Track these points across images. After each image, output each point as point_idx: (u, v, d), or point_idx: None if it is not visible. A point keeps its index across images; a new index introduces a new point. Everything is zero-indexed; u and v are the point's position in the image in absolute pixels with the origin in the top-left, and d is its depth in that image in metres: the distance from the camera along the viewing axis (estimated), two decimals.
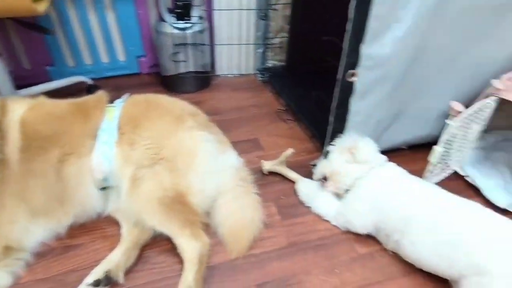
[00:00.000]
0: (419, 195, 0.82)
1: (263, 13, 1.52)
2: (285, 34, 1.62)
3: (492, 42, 1.01)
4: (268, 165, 1.09)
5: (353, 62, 0.90)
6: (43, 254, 0.84)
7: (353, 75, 0.92)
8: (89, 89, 1.49)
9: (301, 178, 1.04)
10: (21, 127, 0.84)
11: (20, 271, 0.80)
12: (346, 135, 0.97)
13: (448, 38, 0.97)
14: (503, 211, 0.99)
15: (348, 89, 0.95)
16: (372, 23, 0.85)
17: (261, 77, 1.67)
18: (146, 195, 0.84)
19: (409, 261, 0.82)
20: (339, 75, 0.93)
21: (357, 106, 0.98)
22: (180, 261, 0.80)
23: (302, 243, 0.89)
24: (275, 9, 1.51)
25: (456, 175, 1.12)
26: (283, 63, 1.71)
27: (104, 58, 1.63)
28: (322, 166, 0.96)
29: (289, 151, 1.06)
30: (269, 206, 1.00)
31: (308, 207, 0.98)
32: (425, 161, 1.00)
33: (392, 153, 1.18)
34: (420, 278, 0.81)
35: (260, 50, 1.64)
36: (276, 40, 1.63)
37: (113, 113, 0.96)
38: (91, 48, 1.57)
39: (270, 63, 1.69)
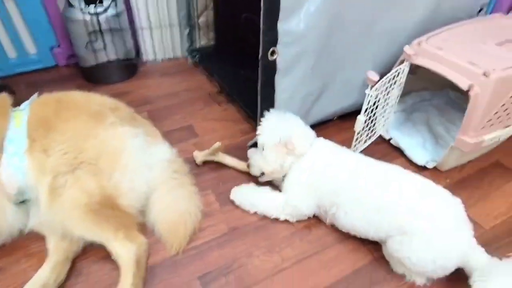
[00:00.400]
0: (347, 167, 0.85)
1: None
2: (211, 12, 1.55)
3: (401, 9, 1.06)
4: (200, 157, 1.06)
5: (272, 40, 0.89)
6: None
7: (273, 53, 0.91)
8: None
9: (234, 189, 0.97)
10: None
11: None
12: (272, 116, 0.92)
13: (361, 8, 1.00)
14: (423, 168, 1.08)
15: (270, 67, 0.94)
16: (285, 1, 0.84)
17: (191, 59, 1.61)
18: (70, 204, 0.78)
19: (345, 230, 0.86)
20: (260, 54, 0.91)
21: (282, 83, 0.98)
22: (115, 267, 0.77)
23: (242, 227, 0.90)
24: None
25: (382, 139, 1.19)
26: (212, 43, 1.65)
27: (11, 53, 1.45)
28: (259, 164, 0.92)
29: (217, 144, 1.02)
30: (207, 194, 0.98)
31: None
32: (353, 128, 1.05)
33: (323, 125, 1.23)
34: (354, 243, 0.86)
35: (186, 31, 1.56)
36: (202, 19, 1.56)
37: (21, 119, 0.86)
38: None
39: (199, 44, 1.62)
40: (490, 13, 1.35)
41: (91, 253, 0.83)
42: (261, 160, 0.89)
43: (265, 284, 0.78)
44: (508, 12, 1.28)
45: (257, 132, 0.91)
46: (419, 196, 0.77)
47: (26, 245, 0.84)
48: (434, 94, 1.30)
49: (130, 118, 0.98)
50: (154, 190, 0.89)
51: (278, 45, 0.90)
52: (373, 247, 0.85)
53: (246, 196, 0.94)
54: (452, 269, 0.74)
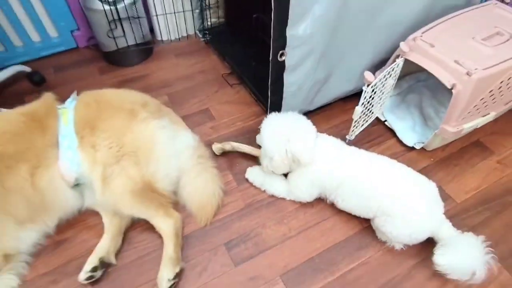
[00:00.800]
0: (343, 163, 0.99)
1: None
2: None
3: (398, 6, 1.14)
4: (217, 150, 1.20)
5: (281, 45, 1.00)
6: (39, 252, 0.98)
7: (282, 55, 1.03)
8: (30, 78, 1.45)
9: (249, 169, 1.15)
10: None
11: (23, 271, 0.94)
12: (274, 123, 1.03)
13: (362, 6, 1.08)
14: (412, 148, 1.25)
15: (280, 67, 1.06)
16: (293, 10, 0.94)
17: (203, 38, 1.70)
18: (119, 190, 0.97)
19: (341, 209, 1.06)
20: (271, 57, 1.03)
21: (290, 79, 1.11)
22: (159, 237, 0.98)
23: (256, 203, 1.10)
24: None
25: (378, 120, 1.34)
26: (222, 20, 1.72)
27: (35, 37, 1.55)
28: (269, 168, 1.04)
29: (228, 145, 1.19)
30: (226, 174, 1.17)
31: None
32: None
33: (327, 106, 1.37)
34: (347, 216, 1.05)
35: (198, 10, 1.63)
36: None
37: (67, 116, 1.02)
38: (17, 30, 1.49)
39: (210, 22, 1.70)
40: None
41: (138, 225, 1.04)
42: (269, 166, 1.03)
43: (276, 248, 1.00)
44: (502, 1, 1.33)
45: (261, 140, 1.04)
46: (399, 184, 0.95)
47: (85, 220, 1.05)
48: (429, 76, 1.41)
49: (157, 110, 1.12)
50: (184, 174, 1.07)
51: (286, 48, 1.02)
52: (363, 220, 1.05)
53: (257, 177, 1.13)
54: (424, 239, 0.95)
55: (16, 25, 1.47)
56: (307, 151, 0.98)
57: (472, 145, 1.28)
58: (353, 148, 1.05)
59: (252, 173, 1.14)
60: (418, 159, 1.22)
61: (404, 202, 0.91)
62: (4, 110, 1.15)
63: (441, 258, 0.87)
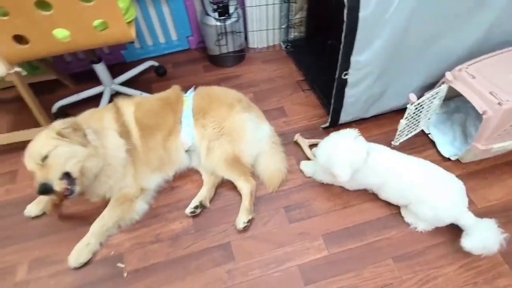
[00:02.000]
0: (387, 165, 1.27)
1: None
2: (305, 13, 1.96)
3: (451, 39, 1.38)
4: (302, 142, 1.56)
5: (346, 67, 1.34)
6: (160, 191, 1.47)
7: (346, 74, 1.36)
8: (157, 70, 1.99)
9: (302, 162, 1.48)
10: (136, 122, 1.38)
11: (151, 201, 1.43)
12: (333, 144, 1.26)
13: (417, 40, 1.35)
14: (448, 159, 1.48)
15: (343, 82, 1.40)
16: (358, 43, 1.26)
17: (285, 48, 2.08)
18: (217, 158, 1.40)
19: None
20: (337, 75, 1.37)
21: (350, 92, 1.44)
22: (239, 194, 1.40)
23: (310, 182, 1.46)
24: (294, 1, 1.85)
25: (423, 132, 1.59)
26: (303, 35, 2.08)
27: (162, 39, 2.08)
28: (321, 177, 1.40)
29: (301, 141, 1.56)
30: (291, 158, 1.54)
31: None
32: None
33: (380, 116, 1.66)
34: (381, 202, 1.36)
35: (284, 26, 2.01)
36: (298, 17, 1.99)
37: (188, 103, 1.48)
38: (151, 34, 2.02)
39: (292, 36, 2.07)
40: None
41: (226, 184, 1.46)
42: (320, 172, 1.38)
43: (322, 217, 1.35)
44: None
45: (317, 153, 1.32)
46: (431, 178, 1.23)
47: (190, 175, 1.52)
48: None
49: (248, 106, 1.53)
50: (261, 154, 1.47)
51: (349, 70, 1.35)
52: (392, 207, 1.34)
53: (308, 169, 1.46)
54: (448, 223, 1.22)
55: (151, 30, 2.00)
56: (347, 172, 1.20)
57: (505, 164, 1.46)
58: (393, 151, 1.34)
59: (305, 166, 1.48)
60: (452, 168, 1.46)
61: (434, 191, 1.19)
62: (144, 94, 1.68)
63: (467, 242, 1.13)
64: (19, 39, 1.24)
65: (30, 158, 1.16)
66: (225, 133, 1.41)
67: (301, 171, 1.49)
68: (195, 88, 1.55)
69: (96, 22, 1.25)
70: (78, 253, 1.25)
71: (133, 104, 1.42)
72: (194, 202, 1.38)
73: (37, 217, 1.39)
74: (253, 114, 1.50)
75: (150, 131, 1.39)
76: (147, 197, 1.42)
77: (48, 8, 1.15)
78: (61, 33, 1.25)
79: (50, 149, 1.15)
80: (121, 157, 1.31)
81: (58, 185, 1.15)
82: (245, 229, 1.31)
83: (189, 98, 1.49)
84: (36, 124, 1.59)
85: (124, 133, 1.35)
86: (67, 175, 1.19)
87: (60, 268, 1.25)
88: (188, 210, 1.36)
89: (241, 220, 1.31)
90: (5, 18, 1.13)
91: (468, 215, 1.19)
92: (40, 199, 1.40)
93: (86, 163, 1.21)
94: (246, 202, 1.35)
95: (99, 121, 1.33)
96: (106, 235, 1.30)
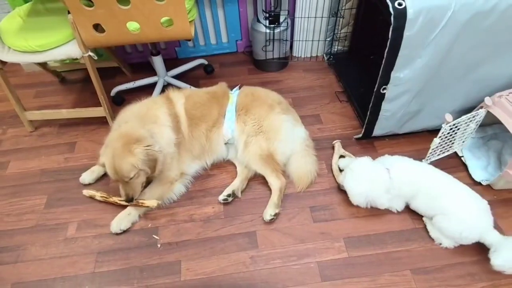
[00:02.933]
0: (419, 178, 1.34)
1: (334, 13, 1.96)
2: (350, 28, 2.05)
3: (493, 66, 1.41)
4: (337, 148, 1.64)
5: (385, 82, 1.40)
6: (197, 177, 1.59)
7: (384, 89, 1.43)
8: (206, 68, 2.14)
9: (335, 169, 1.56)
10: (185, 112, 1.51)
11: (188, 185, 1.56)
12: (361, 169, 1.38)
13: (460, 64, 1.40)
14: (479, 184, 1.49)
15: (381, 97, 1.46)
16: (400, 60, 1.33)
17: (327, 60, 2.16)
18: (253, 152, 1.50)
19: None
20: (376, 88, 1.44)
21: (386, 107, 1.49)
22: (269, 189, 1.49)
23: (337, 188, 1.52)
24: (341, 16, 1.94)
25: (455, 155, 1.61)
26: (346, 49, 2.16)
27: (213, 40, 2.24)
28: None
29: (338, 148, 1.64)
30: (321, 163, 1.62)
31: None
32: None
33: (412, 133, 1.69)
34: (406, 215, 1.40)
35: (329, 39, 2.10)
36: (343, 32, 2.07)
37: (233, 100, 1.60)
38: (205, 34, 2.19)
39: (336, 49, 2.15)
40: None
41: (257, 178, 1.56)
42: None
43: (345, 221, 1.41)
44: None
45: (343, 178, 1.42)
46: (458, 193, 1.27)
47: (226, 166, 1.63)
48: None
49: (286, 108, 1.63)
50: (294, 154, 1.55)
51: (388, 85, 1.41)
52: (417, 221, 1.38)
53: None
54: (473, 241, 1.24)
55: (205, 31, 2.17)
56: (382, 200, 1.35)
57: None
58: (425, 165, 1.38)
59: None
60: (483, 193, 1.45)
61: (460, 206, 1.24)
62: (193, 88, 1.82)
63: (497, 259, 1.16)
64: (96, 27, 1.43)
65: (116, 175, 1.31)
66: (263, 131, 1.51)
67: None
68: (240, 87, 1.67)
69: (164, 19, 1.41)
70: (120, 221, 1.40)
71: (184, 96, 1.56)
72: (227, 191, 1.49)
73: (89, 184, 1.56)
74: (291, 116, 1.60)
75: (196, 121, 1.53)
76: (185, 181, 1.55)
77: (126, 3, 1.32)
78: (132, 26, 1.42)
79: (133, 174, 1.31)
80: (171, 151, 1.44)
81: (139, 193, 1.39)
82: (271, 221, 1.40)
83: (234, 95, 1.62)
84: (95, 104, 1.78)
85: (176, 126, 1.47)
86: None
87: (104, 231, 1.40)
88: (221, 197, 1.47)
89: (268, 212, 1.40)
90: (90, 8, 1.32)
91: (494, 232, 1.22)
92: (93, 169, 1.58)
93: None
94: (275, 197, 1.44)
95: (156, 118, 1.45)
96: (145, 209, 1.44)
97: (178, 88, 1.69)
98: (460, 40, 1.31)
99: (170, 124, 1.46)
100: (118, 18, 1.36)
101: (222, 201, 1.47)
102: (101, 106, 1.74)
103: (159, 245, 1.36)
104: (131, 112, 1.47)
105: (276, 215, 1.41)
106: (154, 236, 1.39)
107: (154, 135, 1.38)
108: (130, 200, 1.35)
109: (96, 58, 1.55)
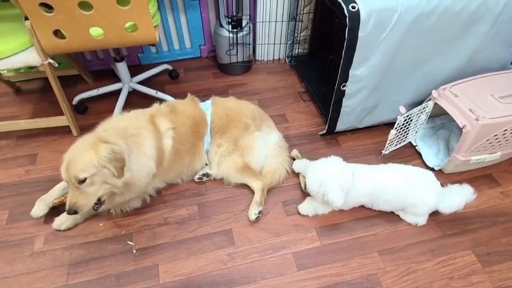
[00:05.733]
0: (373, 180, 1.40)
1: (293, 17, 2.06)
2: (309, 31, 2.16)
3: (438, 62, 1.57)
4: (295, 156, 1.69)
5: (344, 80, 1.50)
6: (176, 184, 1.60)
7: (344, 86, 1.53)
8: (170, 74, 2.15)
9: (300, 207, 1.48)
10: (171, 147, 1.43)
11: (163, 188, 1.56)
12: (319, 166, 1.39)
13: (408, 60, 1.54)
14: (432, 169, 1.64)
15: (341, 93, 1.56)
16: (356, 59, 1.43)
17: (289, 62, 2.26)
18: (228, 168, 1.51)
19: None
20: (336, 86, 1.54)
21: (347, 103, 1.60)
22: (242, 187, 1.53)
23: None
24: (300, 20, 2.05)
25: (411, 144, 1.75)
26: (306, 51, 2.27)
27: (177, 46, 2.25)
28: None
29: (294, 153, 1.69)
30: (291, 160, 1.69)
31: None
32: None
33: (372, 127, 1.82)
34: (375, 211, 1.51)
35: (290, 42, 2.20)
36: (302, 35, 2.18)
37: (207, 121, 1.56)
38: (168, 40, 2.19)
39: (297, 51, 2.25)
40: None
41: (240, 186, 1.58)
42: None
43: None
44: None
45: (306, 177, 1.41)
46: (413, 182, 1.38)
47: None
48: None
49: (261, 120, 1.63)
50: (268, 157, 1.59)
51: (347, 82, 1.51)
52: (386, 214, 1.48)
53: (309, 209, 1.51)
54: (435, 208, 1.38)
55: (168, 36, 2.17)
56: (339, 195, 1.30)
57: (484, 177, 1.62)
58: (377, 166, 1.47)
59: (304, 208, 1.47)
60: (435, 178, 1.61)
61: (421, 191, 1.36)
62: (159, 93, 1.82)
63: (441, 204, 1.35)
64: (56, 33, 1.39)
65: (67, 173, 1.19)
66: (237, 149, 1.53)
67: (301, 214, 1.48)
68: (211, 98, 1.67)
69: (128, 24, 1.40)
70: (62, 220, 1.38)
71: (171, 126, 1.45)
72: (202, 171, 1.56)
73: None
74: (264, 129, 1.61)
75: (181, 155, 1.50)
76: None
77: (89, 9, 1.30)
78: (96, 31, 1.41)
79: (88, 176, 1.17)
80: (148, 182, 1.39)
81: (87, 209, 1.25)
82: (257, 219, 1.44)
83: (208, 114, 1.59)
84: (55, 114, 1.73)
85: (159, 160, 1.40)
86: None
87: (75, 242, 1.36)
88: (196, 177, 1.55)
89: (252, 212, 1.44)
90: (50, 14, 1.29)
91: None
92: (41, 200, 1.42)
93: (115, 189, 1.27)
94: (257, 196, 1.47)
95: (140, 146, 1.33)
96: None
97: (146, 96, 1.67)
98: (407, 39, 1.44)
99: (154, 158, 1.37)
100: (80, 24, 1.34)
101: (197, 181, 1.56)
102: (63, 115, 1.69)
103: (134, 251, 1.34)
104: (115, 130, 1.34)
105: (260, 212, 1.45)
106: (128, 242, 1.37)
107: (131, 158, 1.28)
108: (72, 211, 1.20)
109: (56, 65, 1.51)
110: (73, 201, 1.20)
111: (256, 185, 1.50)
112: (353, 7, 1.32)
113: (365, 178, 1.39)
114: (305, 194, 1.55)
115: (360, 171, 1.40)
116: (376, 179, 1.40)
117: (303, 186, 1.53)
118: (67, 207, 1.21)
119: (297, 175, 1.63)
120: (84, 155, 1.18)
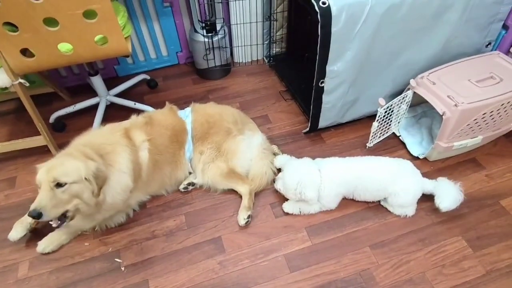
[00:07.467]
0: (351, 173, 1.41)
1: (267, 17, 2.05)
2: (285, 30, 2.15)
3: (413, 52, 1.57)
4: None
5: (322, 76, 1.50)
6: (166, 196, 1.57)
7: (322, 82, 1.52)
8: (149, 83, 2.11)
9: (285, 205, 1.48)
10: (148, 159, 1.40)
11: (146, 200, 1.53)
12: (292, 165, 1.43)
13: (384, 52, 1.54)
14: (417, 158, 1.64)
15: (320, 90, 1.56)
16: (331, 54, 1.43)
17: (268, 63, 2.25)
18: (213, 174, 1.48)
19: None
20: (314, 83, 1.53)
21: (327, 99, 1.59)
22: (228, 193, 1.51)
23: None
24: (275, 20, 2.04)
25: (394, 135, 1.76)
26: (284, 50, 2.26)
27: (153, 55, 2.22)
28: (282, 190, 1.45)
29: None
30: None
31: None
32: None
33: (355, 121, 1.82)
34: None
35: (267, 42, 2.19)
36: (279, 34, 2.17)
37: (188, 129, 1.53)
38: (143, 50, 2.16)
39: (274, 51, 2.24)
40: (496, 48, 1.75)
41: (227, 192, 1.55)
42: (282, 189, 1.44)
43: None
44: (507, 52, 1.69)
45: (280, 176, 1.45)
46: (390, 171, 1.39)
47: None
48: None
49: (243, 123, 1.60)
50: (252, 159, 1.56)
51: (325, 78, 1.51)
52: (375, 208, 1.48)
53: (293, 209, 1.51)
54: (420, 195, 1.39)
55: (143, 46, 2.14)
56: (313, 189, 1.36)
57: (468, 161, 1.64)
58: (353, 158, 1.48)
59: (288, 207, 1.47)
60: (421, 166, 1.60)
61: (400, 182, 1.36)
62: (138, 104, 1.79)
63: (442, 203, 1.34)
64: (25, 52, 1.35)
65: (46, 174, 1.16)
66: (220, 155, 1.50)
67: (285, 213, 1.48)
68: (190, 104, 1.64)
69: (97, 37, 1.37)
70: (46, 243, 1.34)
71: (146, 139, 1.42)
72: (187, 181, 1.54)
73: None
74: (247, 132, 1.59)
75: (160, 166, 1.46)
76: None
77: (54, 25, 1.27)
78: (64, 47, 1.37)
79: (69, 182, 1.16)
80: (124, 198, 1.35)
81: (51, 218, 1.19)
82: (247, 224, 1.42)
83: (188, 122, 1.56)
84: (32, 134, 1.67)
85: (137, 174, 1.37)
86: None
87: (60, 264, 1.32)
88: (181, 186, 1.53)
89: (242, 217, 1.42)
90: (15, 33, 1.25)
91: (427, 181, 1.41)
92: (19, 222, 1.39)
93: (85, 207, 1.24)
94: (245, 201, 1.45)
95: (113, 162, 1.31)
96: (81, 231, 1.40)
97: (124, 108, 1.64)
98: (381, 31, 1.44)
99: (130, 172, 1.34)
100: (48, 41, 1.30)
101: (183, 190, 1.53)
102: (40, 135, 1.64)
103: (123, 268, 1.31)
104: (90, 147, 1.31)
105: (250, 217, 1.43)
106: (116, 259, 1.33)
107: (109, 171, 1.28)
108: (35, 214, 1.12)
109: (27, 84, 1.47)
110: (43, 203, 1.14)
111: (243, 189, 1.48)
112: (324, 3, 1.31)
113: (334, 169, 1.41)
114: None
115: (327, 165, 1.43)
116: (348, 168, 1.42)
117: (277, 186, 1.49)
118: (32, 207, 1.13)
119: None
120: (73, 162, 1.20)
